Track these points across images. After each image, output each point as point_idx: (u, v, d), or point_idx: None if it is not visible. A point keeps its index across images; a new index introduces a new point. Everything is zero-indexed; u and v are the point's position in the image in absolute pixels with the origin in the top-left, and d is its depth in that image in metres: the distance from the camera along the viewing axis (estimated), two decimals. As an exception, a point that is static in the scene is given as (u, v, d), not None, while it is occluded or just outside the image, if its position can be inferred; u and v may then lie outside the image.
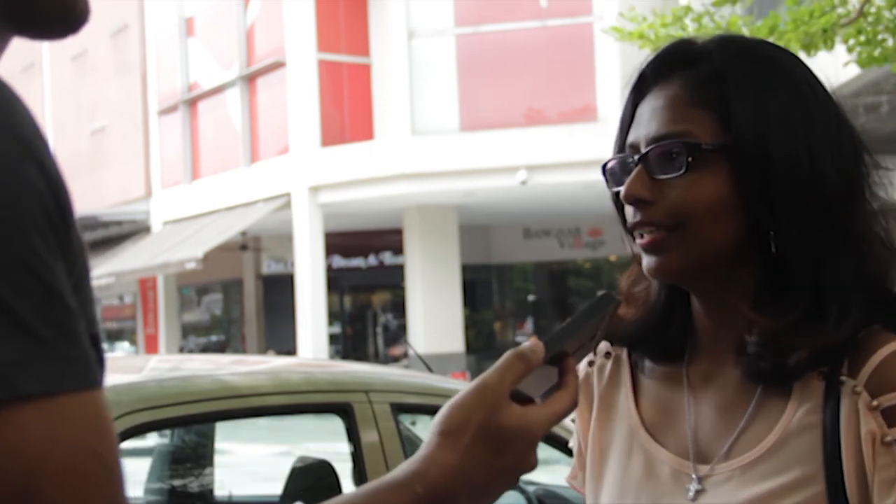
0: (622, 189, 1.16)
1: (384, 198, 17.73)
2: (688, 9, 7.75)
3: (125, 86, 24.66)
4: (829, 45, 7.04)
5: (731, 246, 1.14)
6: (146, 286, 24.11)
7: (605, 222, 21.52)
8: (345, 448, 3.03)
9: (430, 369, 3.95)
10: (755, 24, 7.30)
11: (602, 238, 21.46)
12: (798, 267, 1.12)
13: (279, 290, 21.58)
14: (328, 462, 3.19)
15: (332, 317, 20.92)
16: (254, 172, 19.75)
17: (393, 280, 21.04)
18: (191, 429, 3.76)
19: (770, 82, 1.15)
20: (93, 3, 0.78)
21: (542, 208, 19.64)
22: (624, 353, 1.31)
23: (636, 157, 1.17)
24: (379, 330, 23.03)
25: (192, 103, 22.17)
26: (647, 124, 1.17)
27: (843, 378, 1.09)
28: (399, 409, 3.08)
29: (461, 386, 3.54)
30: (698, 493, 1.16)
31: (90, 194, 24.58)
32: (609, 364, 1.32)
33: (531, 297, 23.76)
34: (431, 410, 3.29)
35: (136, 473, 3.87)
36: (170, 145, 22.56)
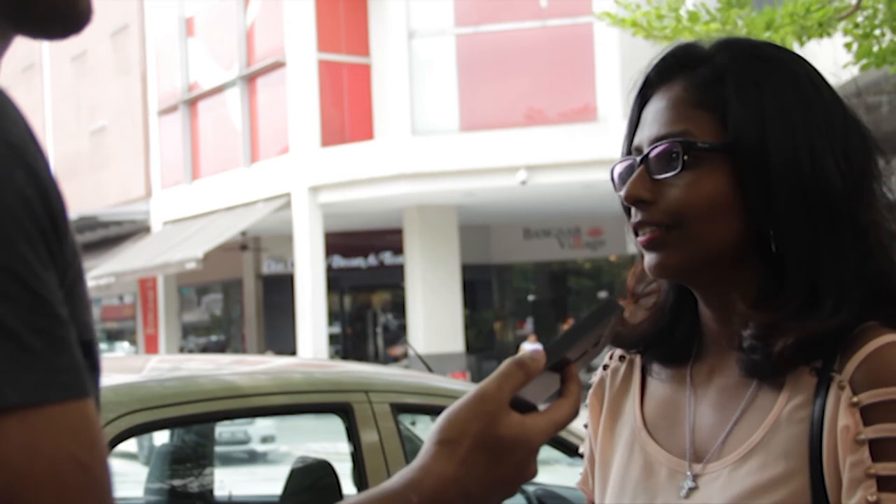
0: (623, 190, 1.18)
1: (384, 198, 17.73)
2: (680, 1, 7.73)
3: (125, 86, 24.66)
4: (823, 35, 7.06)
5: (731, 244, 1.15)
6: (146, 286, 24.11)
7: (605, 222, 21.54)
8: (345, 448, 3.02)
9: (430, 369, 3.95)
10: (751, 16, 7.28)
11: (602, 238, 21.47)
12: (796, 264, 1.13)
13: (279, 290, 21.59)
14: (328, 462, 3.19)
15: (332, 317, 20.92)
16: (254, 172, 19.75)
17: (393, 280, 21.04)
18: (191, 429, 3.75)
19: (771, 83, 1.15)
20: (93, 4, 0.78)
21: (542, 208, 19.65)
22: (637, 357, 1.32)
23: (638, 158, 1.18)
24: (379, 330, 23.03)
25: (192, 103, 22.17)
26: (650, 126, 1.19)
27: (833, 373, 1.09)
28: (399, 409, 3.08)
29: (461, 386, 3.54)
30: (691, 490, 1.17)
31: (90, 194, 24.59)
32: (623, 368, 1.33)
33: (531, 297, 23.76)
34: (431, 410, 3.29)
35: (131, 474, 3.87)
36: (170, 145, 22.56)
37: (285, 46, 19.07)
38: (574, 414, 0.93)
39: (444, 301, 18.79)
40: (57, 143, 27.36)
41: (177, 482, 3.71)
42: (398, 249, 20.42)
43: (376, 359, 21.99)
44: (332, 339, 20.49)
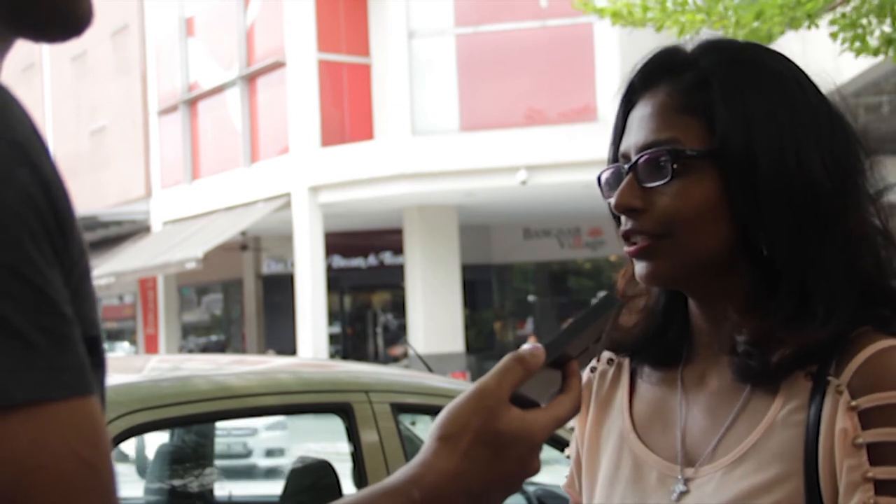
0: (613, 199, 1.18)
1: (384, 198, 17.73)
2: None
3: (125, 86, 24.66)
4: (811, 26, 7.07)
5: (721, 250, 1.15)
6: (146, 286, 24.10)
7: (605, 222, 21.25)
8: (345, 448, 3.02)
9: (430, 369, 3.95)
10: (740, 4, 7.27)
11: (602, 238, 21.46)
12: (786, 267, 1.13)
13: (279, 290, 21.59)
14: (328, 462, 3.19)
15: (332, 317, 20.92)
16: (254, 172, 19.75)
17: (393, 280, 21.04)
18: (191, 429, 3.75)
19: (756, 86, 1.15)
20: (94, 6, 0.78)
21: (542, 208, 19.64)
22: (626, 360, 1.32)
23: (626, 166, 1.18)
24: (379, 330, 23.03)
25: (192, 103, 22.17)
26: (636, 133, 1.18)
27: (830, 377, 1.09)
28: (399, 409, 3.08)
29: (461, 386, 3.54)
30: (682, 494, 1.17)
31: (90, 194, 24.59)
32: (611, 370, 1.33)
33: (531, 297, 23.75)
34: (431, 410, 3.29)
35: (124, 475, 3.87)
36: (170, 145, 22.56)
37: (285, 46, 19.06)
38: (575, 409, 0.92)
39: (444, 301, 18.79)
40: (57, 143, 27.35)
41: (177, 482, 3.71)
42: (398, 249, 20.42)
43: (376, 359, 21.99)
44: (332, 339, 20.49)
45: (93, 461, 0.64)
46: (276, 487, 3.65)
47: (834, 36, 7.11)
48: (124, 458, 4.85)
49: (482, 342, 21.97)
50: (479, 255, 21.62)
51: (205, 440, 3.86)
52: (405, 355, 20.82)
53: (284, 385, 3.03)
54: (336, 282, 21.18)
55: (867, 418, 1.05)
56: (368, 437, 2.94)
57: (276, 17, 19.43)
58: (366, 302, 23.53)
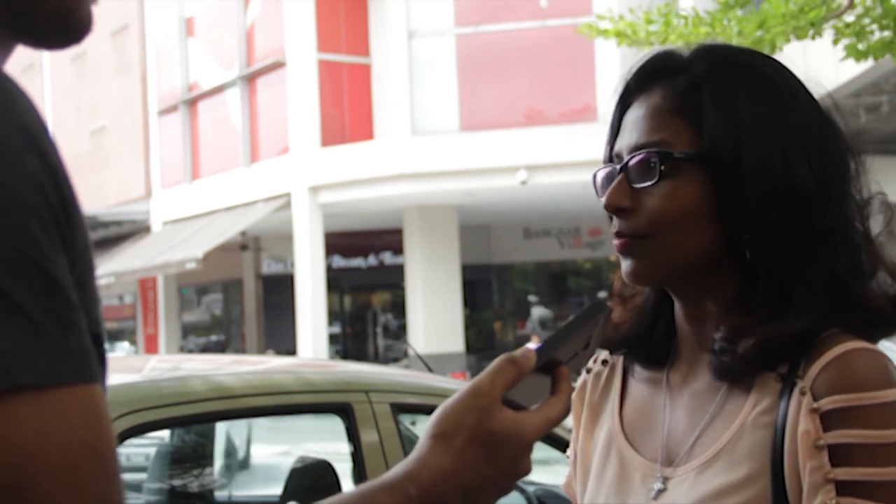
0: (604, 198, 1.20)
1: (384, 198, 17.73)
2: (671, 5, 7.72)
3: (125, 86, 24.67)
4: (816, 35, 7.07)
5: (707, 251, 1.16)
6: (146, 286, 24.11)
7: (605, 222, 21.41)
8: (345, 448, 3.03)
9: (430, 369, 3.96)
10: (743, 16, 7.27)
11: (602, 238, 21.47)
12: (767, 269, 1.14)
13: (279, 290, 21.59)
14: (328, 462, 3.19)
15: (332, 317, 20.92)
16: (254, 172, 19.75)
17: (393, 280, 21.04)
18: (191, 429, 3.75)
19: (746, 90, 1.16)
20: (93, 12, 0.78)
21: (542, 208, 19.65)
22: (620, 360, 1.34)
23: (618, 166, 1.20)
24: (379, 330, 23.03)
25: (192, 103, 22.17)
26: (629, 134, 1.20)
27: (797, 379, 1.10)
28: (399, 409, 3.08)
29: (461, 386, 3.54)
30: (660, 492, 1.19)
31: (90, 194, 24.58)
32: (605, 371, 1.35)
33: (531, 297, 23.75)
34: (431, 410, 3.27)
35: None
36: (170, 145, 22.56)
37: (285, 46, 19.06)
38: (566, 412, 0.94)
39: (444, 301, 18.80)
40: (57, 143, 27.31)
41: (177, 482, 3.71)
42: (398, 249, 20.42)
43: (376, 359, 21.99)
44: (332, 339, 20.49)
45: (98, 447, 0.64)
46: (276, 487, 3.65)
47: (836, 42, 7.11)
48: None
49: (482, 342, 21.96)
50: (479, 255, 21.62)
51: (205, 440, 3.86)
52: (405, 355, 20.83)
53: (284, 385, 3.03)
54: (336, 282, 21.18)
55: (829, 420, 1.06)
56: (368, 437, 2.94)
57: (276, 17, 19.44)
58: (366, 302, 23.54)
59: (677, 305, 1.24)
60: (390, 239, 20.86)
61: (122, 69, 24.90)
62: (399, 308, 21.04)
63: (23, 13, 0.73)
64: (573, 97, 17.89)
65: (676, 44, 7.36)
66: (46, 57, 28.21)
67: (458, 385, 3.59)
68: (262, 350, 22.13)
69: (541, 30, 18.17)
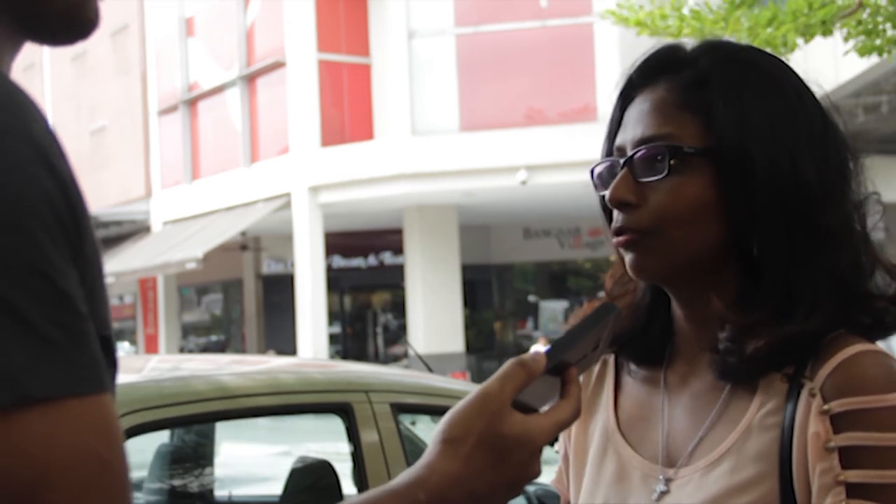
0: (607, 192, 1.18)
1: (384, 198, 17.73)
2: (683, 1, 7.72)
3: (125, 86, 24.66)
4: (826, 33, 7.06)
5: (711, 248, 1.15)
6: (146, 286, 24.11)
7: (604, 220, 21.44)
8: (345, 448, 3.03)
9: (430, 369, 3.96)
10: (754, 13, 7.26)
11: (602, 238, 21.21)
12: (772, 268, 1.13)
13: (279, 290, 21.59)
14: (328, 462, 3.19)
15: (332, 317, 20.92)
16: (254, 172, 19.75)
17: (393, 280, 21.04)
18: (191, 429, 3.75)
19: (754, 87, 1.16)
20: (100, 9, 0.78)
21: (542, 208, 19.64)
22: (612, 357, 1.32)
23: (622, 160, 1.18)
24: (379, 330, 23.03)
25: (192, 103, 22.17)
26: (633, 127, 1.19)
27: (804, 380, 1.09)
28: (399, 409, 3.08)
29: (461, 386, 3.54)
30: (662, 494, 1.18)
31: (90, 194, 24.39)
32: (597, 367, 1.33)
33: (531, 298, 23.75)
34: (431, 410, 3.29)
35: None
36: (170, 145, 22.56)
37: (285, 46, 19.06)
38: (576, 414, 0.93)
39: (444, 301, 18.79)
40: (57, 143, 27.30)
41: (177, 482, 3.71)
42: (398, 249, 20.42)
43: (376, 359, 21.99)
44: (332, 339, 20.48)
45: (109, 459, 0.64)
46: (276, 487, 3.65)
47: (847, 39, 7.10)
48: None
49: (482, 342, 21.97)
50: (479, 255, 21.61)
51: (205, 440, 3.86)
52: (405, 355, 20.82)
53: (284, 385, 3.04)
54: (336, 282, 21.17)
55: (839, 422, 1.06)
56: (368, 437, 2.94)
57: (276, 17, 19.44)
58: (366, 302, 23.53)
59: (676, 305, 1.23)
60: (390, 239, 20.86)
61: (122, 69, 24.90)
62: (399, 308, 21.03)
63: (32, 11, 0.74)
64: (573, 97, 17.89)
65: (690, 38, 7.37)
66: (46, 57, 28.22)
67: (458, 385, 3.59)
68: (262, 350, 22.12)
69: (541, 30, 18.16)
